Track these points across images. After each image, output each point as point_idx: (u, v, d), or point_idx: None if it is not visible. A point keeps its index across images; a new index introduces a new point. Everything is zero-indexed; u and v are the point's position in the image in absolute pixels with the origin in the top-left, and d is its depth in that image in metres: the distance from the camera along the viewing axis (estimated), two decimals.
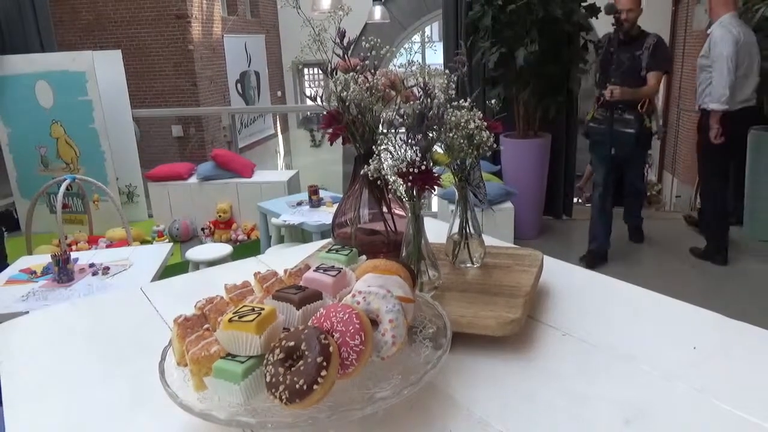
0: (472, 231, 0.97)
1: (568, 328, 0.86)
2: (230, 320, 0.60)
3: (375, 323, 0.64)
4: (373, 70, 0.90)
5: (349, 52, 0.92)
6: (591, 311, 0.92)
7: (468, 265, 0.98)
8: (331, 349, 0.57)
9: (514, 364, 0.78)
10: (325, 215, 3.65)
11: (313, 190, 3.90)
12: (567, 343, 0.82)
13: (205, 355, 0.61)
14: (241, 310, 0.61)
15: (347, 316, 0.60)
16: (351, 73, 0.87)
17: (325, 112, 0.94)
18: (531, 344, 0.82)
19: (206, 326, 0.67)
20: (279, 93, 12.78)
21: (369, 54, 0.89)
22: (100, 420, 0.71)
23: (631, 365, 0.76)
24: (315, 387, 0.55)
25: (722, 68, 3.60)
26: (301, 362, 0.56)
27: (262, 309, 0.61)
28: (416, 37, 11.58)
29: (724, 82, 3.59)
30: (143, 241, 4.80)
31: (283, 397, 0.55)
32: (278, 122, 12.72)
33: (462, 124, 0.83)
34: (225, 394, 0.59)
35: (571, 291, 0.99)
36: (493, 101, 0.90)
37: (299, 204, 3.95)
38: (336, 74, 0.91)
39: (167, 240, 4.88)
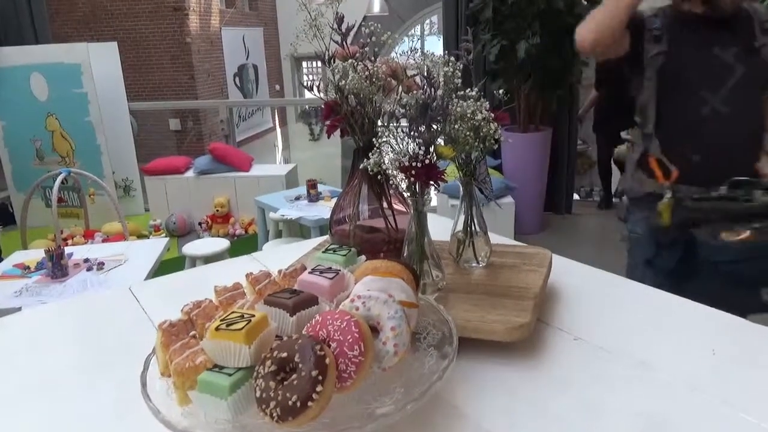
0: (478, 228, 0.92)
1: (581, 332, 0.81)
2: (217, 328, 0.55)
3: (375, 330, 0.59)
4: (372, 58, 0.85)
5: (348, 39, 0.87)
6: (604, 314, 0.87)
7: (473, 264, 0.93)
8: (327, 361, 0.52)
9: (523, 372, 0.73)
10: (323, 210, 3.60)
11: (312, 185, 3.85)
12: (580, 349, 0.78)
13: (190, 366, 0.56)
14: (229, 317, 0.56)
15: (345, 324, 0.55)
16: (350, 61, 0.82)
17: (323, 104, 0.89)
18: (541, 350, 0.77)
19: (193, 333, 0.62)
20: (277, 86, 12.71)
21: (368, 40, 0.84)
22: (79, 431, 0.66)
23: (648, 373, 0.71)
24: (309, 404, 0.50)
25: None
26: (294, 376, 0.51)
27: (252, 316, 0.56)
28: (417, 30, 11.50)
29: None
30: (140, 236, 4.75)
31: (275, 414, 0.50)
32: (276, 116, 12.65)
33: (468, 115, 0.77)
34: (211, 410, 0.54)
35: (581, 292, 0.94)
36: (501, 90, 0.84)
37: (297, 198, 3.90)
38: (334, 62, 0.85)
39: (164, 234, 4.83)
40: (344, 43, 0.85)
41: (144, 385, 0.59)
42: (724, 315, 0.84)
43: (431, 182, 0.77)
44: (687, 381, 0.69)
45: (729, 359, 0.74)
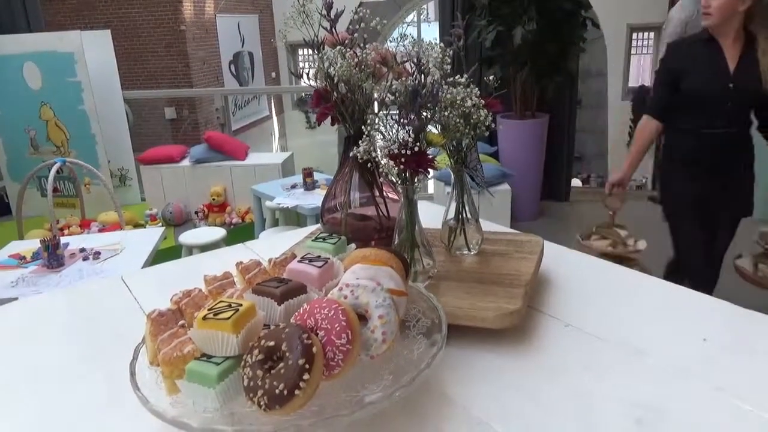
0: (469, 216, 0.92)
1: (572, 319, 0.81)
2: (204, 318, 0.55)
3: (364, 319, 0.59)
4: (362, 44, 0.84)
5: (343, 26, 0.86)
6: (596, 301, 0.87)
7: (465, 252, 0.93)
8: (314, 349, 0.52)
9: (514, 359, 0.73)
10: (319, 198, 3.58)
11: (308, 173, 3.84)
12: (570, 336, 0.78)
13: (178, 355, 0.56)
14: (216, 306, 0.56)
15: (333, 312, 0.55)
16: (338, 48, 0.81)
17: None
18: (532, 337, 0.77)
19: (181, 322, 0.62)
20: (273, 74, 12.63)
21: (358, 26, 0.83)
22: (70, 421, 0.66)
23: (640, 360, 0.71)
24: (297, 392, 0.50)
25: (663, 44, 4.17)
26: (281, 364, 0.51)
27: (240, 305, 0.56)
28: (412, 17, 11.42)
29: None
30: (136, 225, 4.74)
31: (262, 403, 0.50)
32: (272, 104, 12.58)
33: (458, 102, 0.77)
34: (199, 399, 0.54)
35: (573, 279, 0.94)
36: (491, 77, 0.84)
37: (293, 187, 3.89)
38: (323, 49, 0.84)
39: (160, 224, 4.82)
40: (333, 29, 0.85)
41: (133, 374, 0.59)
42: (716, 301, 0.84)
43: (421, 170, 0.76)
44: (679, 368, 0.69)
45: (721, 346, 0.74)
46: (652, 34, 10.59)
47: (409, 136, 0.74)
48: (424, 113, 0.77)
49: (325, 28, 0.85)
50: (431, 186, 4.75)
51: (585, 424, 0.61)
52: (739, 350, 0.73)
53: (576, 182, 7.25)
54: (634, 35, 10.61)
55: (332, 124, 0.89)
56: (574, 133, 5.30)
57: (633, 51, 10.71)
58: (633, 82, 10.94)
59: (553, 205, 5.12)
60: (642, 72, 11.13)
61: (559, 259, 1.00)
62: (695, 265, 2.54)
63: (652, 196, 4.80)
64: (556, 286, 0.92)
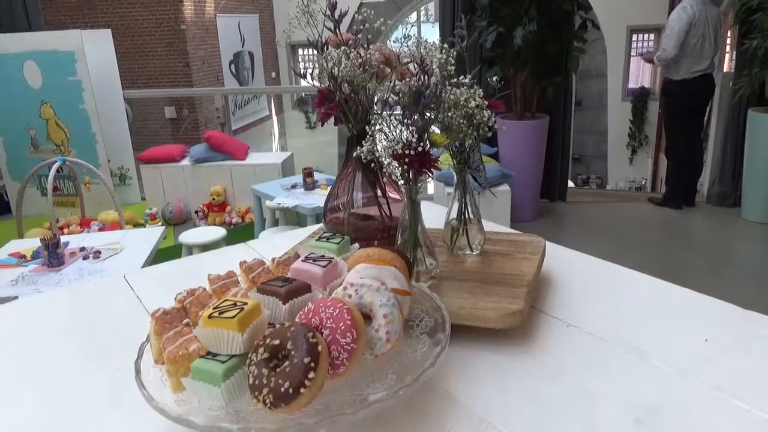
0: (471, 216, 0.92)
1: (574, 319, 0.82)
2: (210, 316, 0.55)
3: (368, 318, 0.60)
4: (366, 45, 0.84)
5: (344, 26, 0.86)
6: (597, 301, 0.88)
7: (467, 252, 0.93)
8: (319, 348, 0.52)
9: (516, 359, 0.73)
10: (319, 198, 3.60)
11: (308, 173, 3.84)
12: (572, 336, 0.78)
13: (183, 353, 0.56)
14: (222, 304, 0.56)
15: (338, 311, 0.55)
16: (342, 48, 0.81)
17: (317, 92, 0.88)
18: (534, 337, 0.78)
19: (186, 321, 0.63)
20: (273, 74, 12.63)
21: (362, 27, 0.83)
22: (73, 419, 0.67)
23: (640, 360, 0.72)
24: (302, 390, 0.50)
25: (670, 38, 4.41)
26: (286, 363, 0.52)
27: (245, 304, 0.56)
28: (413, 17, 11.43)
29: (669, 46, 4.41)
30: (136, 224, 4.74)
31: (267, 401, 0.51)
32: (272, 103, 12.58)
33: (462, 102, 0.77)
34: (205, 397, 0.54)
35: (575, 279, 0.95)
36: (495, 78, 0.84)
37: (293, 186, 3.89)
38: (327, 49, 0.85)
39: (160, 223, 4.82)
40: (337, 30, 0.85)
41: (138, 372, 0.59)
42: (716, 302, 0.85)
43: (424, 170, 0.77)
44: (679, 367, 0.70)
45: (721, 346, 0.74)
46: (652, 36, 10.61)
47: (413, 136, 0.75)
48: (428, 114, 0.77)
49: (329, 29, 0.85)
50: (431, 186, 4.75)
51: (586, 423, 0.62)
52: (739, 350, 0.73)
53: (569, 183, 7.24)
54: (634, 36, 10.63)
55: (335, 124, 0.90)
56: (570, 134, 5.31)
57: (633, 52, 10.74)
58: (633, 83, 10.97)
59: (552, 205, 5.12)
60: (642, 73, 11.15)
61: (560, 260, 1.00)
62: None
63: (651, 197, 4.86)
64: (558, 286, 0.92)
